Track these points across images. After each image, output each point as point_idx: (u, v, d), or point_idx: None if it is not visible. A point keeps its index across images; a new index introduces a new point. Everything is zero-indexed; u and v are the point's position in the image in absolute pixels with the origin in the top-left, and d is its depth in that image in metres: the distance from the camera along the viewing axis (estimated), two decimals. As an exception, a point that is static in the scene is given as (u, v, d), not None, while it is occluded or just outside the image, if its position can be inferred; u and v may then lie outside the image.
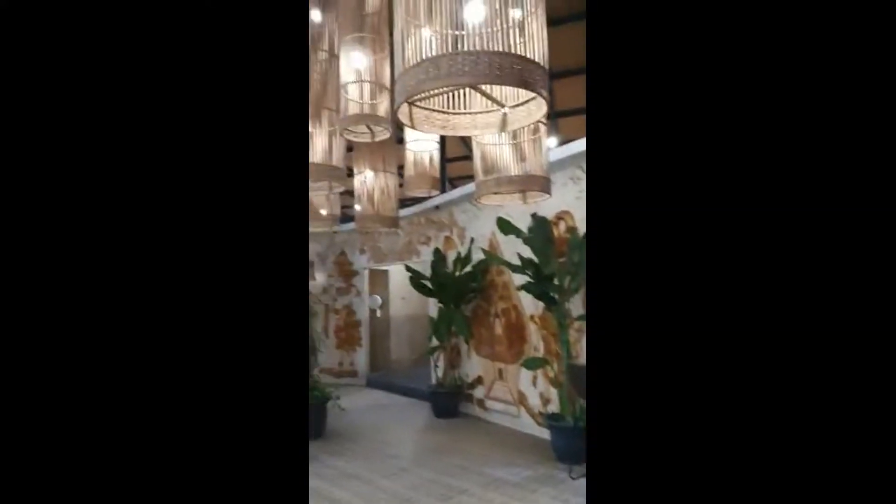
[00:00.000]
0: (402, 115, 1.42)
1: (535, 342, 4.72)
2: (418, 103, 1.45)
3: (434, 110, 1.49)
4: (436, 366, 5.81)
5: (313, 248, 7.52)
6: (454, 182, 7.60)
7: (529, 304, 4.74)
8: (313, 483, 3.57)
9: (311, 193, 2.97)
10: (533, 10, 1.31)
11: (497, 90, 1.44)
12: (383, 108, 2.23)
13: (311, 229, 3.82)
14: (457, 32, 1.32)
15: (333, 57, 2.36)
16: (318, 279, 7.51)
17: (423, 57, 1.26)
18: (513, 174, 2.14)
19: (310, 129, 2.40)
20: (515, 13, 1.32)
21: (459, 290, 5.39)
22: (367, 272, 7.37)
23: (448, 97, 1.50)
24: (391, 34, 1.55)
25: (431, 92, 1.36)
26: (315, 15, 2.41)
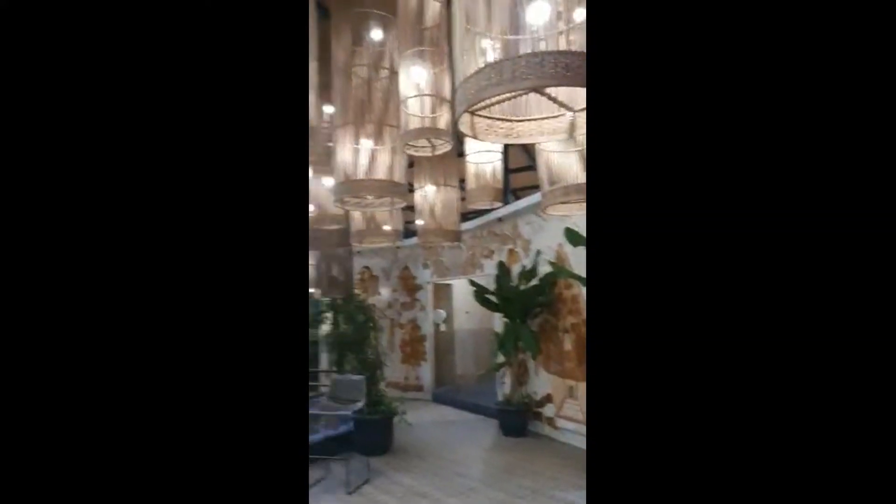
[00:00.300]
0: (464, 125, 1.37)
1: (608, 359, 4.47)
2: (480, 112, 1.39)
3: (496, 118, 1.42)
4: (502, 382, 5.67)
5: (377, 264, 7.67)
6: (517, 193, 7.46)
7: (600, 319, 4.50)
8: (381, 499, 3.56)
9: (373, 210, 3.00)
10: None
11: (563, 94, 1.35)
12: (444, 120, 2.20)
13: (374, 244, 3.87)
14: (518, 37, 1.25)
15: (393, 74, 2.37)
16: (383, 294, 7.63)
17: (484, 63, 1.20)
18: (581, 182, 2.02)
19: (372, 147, 2.42)
20: (580, 13, 1.23)
21: (525, 304, 5.24)
22: (430, 286, 7.40)
23: (510, 104, 1.43)
24: (451, 46, 1.50)
25: (493, 99, 1.29)
26: (376, 34, 2.45)
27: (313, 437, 4.47)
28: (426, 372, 7.34)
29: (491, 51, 1.27)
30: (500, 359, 5.54)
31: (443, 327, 7.61)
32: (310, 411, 4.28)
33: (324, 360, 6.64)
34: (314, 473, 3.96)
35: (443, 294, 7.67)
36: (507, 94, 1.29)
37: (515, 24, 1.26)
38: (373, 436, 4.62)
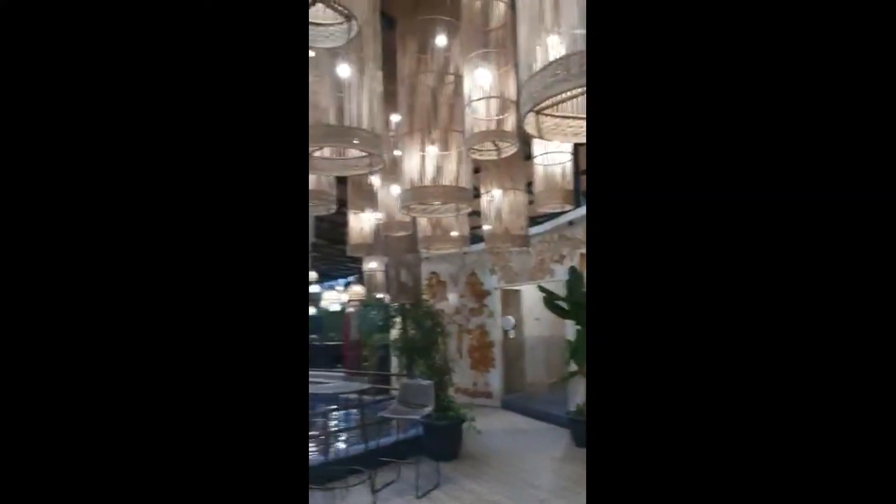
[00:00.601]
0: (529, 125, 1.32)
1: (690, 370, 4.16)
2: (546, 111, 1.34)
3: (564, 117, 1.36)
4: (575, 391, 5.47)
5: (445, 269, 7.71)
6: (587, 196, 7.21)
7: (681, 327, 4.21)
8: (450, 506, 3.54)
9: (440, 216, 3.01)
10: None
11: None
12: (509, 123, 2.16)
13: (441, 250, 3.89)
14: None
15: (458, 78, 2.36)
16: (451, 299, 7.65)
17: (551, 59, 1.15)
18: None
19: (438, 153, 2.43)
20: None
21: (598, 310, 5.01)
22: (498, 292, 7.32)
23: (579, 102, 1.36)
24: (516, 45, 1.46)
25: (561, 96, 1.23)
26: (441, 40, 2.46)
27: (385, 440, 4.56)
28: (495, 378, 7.25)
29: (558, 47, 1.22)
30: (573, 367, 5.35)
31: (511, 334, 7.49)
32: (380, 415, 4.36)
33: (395, 363, 6.76)
34: (385, 476, 4.02)
35: (511, 300, 7.56)
36: (576, 90, 1.23)
37: (584, 17, 1.19)
38: (441, 441, 4.62)
